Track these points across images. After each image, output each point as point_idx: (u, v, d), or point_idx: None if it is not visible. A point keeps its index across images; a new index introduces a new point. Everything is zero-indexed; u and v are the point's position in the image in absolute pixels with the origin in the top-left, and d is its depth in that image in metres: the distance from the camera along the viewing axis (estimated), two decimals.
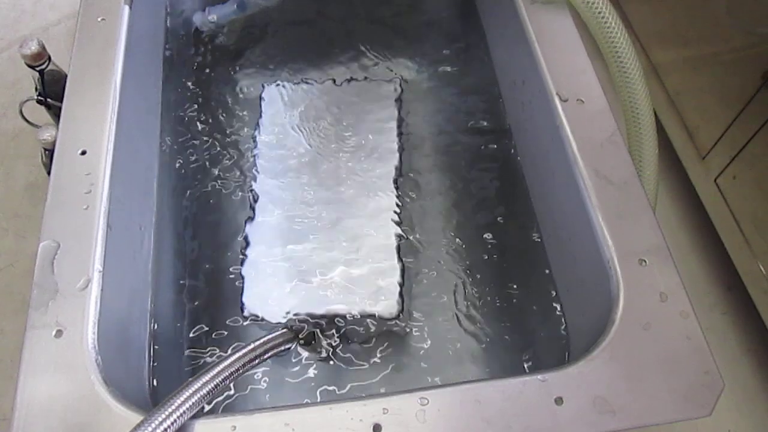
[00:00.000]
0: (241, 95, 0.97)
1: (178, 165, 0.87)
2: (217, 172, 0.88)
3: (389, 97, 0.95)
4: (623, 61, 0.70)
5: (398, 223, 0.82)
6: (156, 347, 0.69)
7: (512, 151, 0.87)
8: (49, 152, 0.68)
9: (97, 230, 0.59)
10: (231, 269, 0.79)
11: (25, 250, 1.12)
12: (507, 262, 0.80)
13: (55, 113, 0.79)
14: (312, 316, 0.74)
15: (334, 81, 0.97)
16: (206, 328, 0.75)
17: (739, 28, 0.94)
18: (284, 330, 0.64)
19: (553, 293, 0.74)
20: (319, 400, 0.70)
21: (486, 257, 0.80)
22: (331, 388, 0.71)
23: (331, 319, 0.74)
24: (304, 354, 0.72)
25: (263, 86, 0.96)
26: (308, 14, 1.06)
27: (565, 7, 0.76)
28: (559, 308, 0.72)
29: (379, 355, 0.73)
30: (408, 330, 0.75)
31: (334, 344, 0.73)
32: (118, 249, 0.62)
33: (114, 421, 0.49)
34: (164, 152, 0.85)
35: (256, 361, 0.57)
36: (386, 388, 0.71)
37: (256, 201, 0.84)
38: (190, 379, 0.51)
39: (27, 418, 0.50)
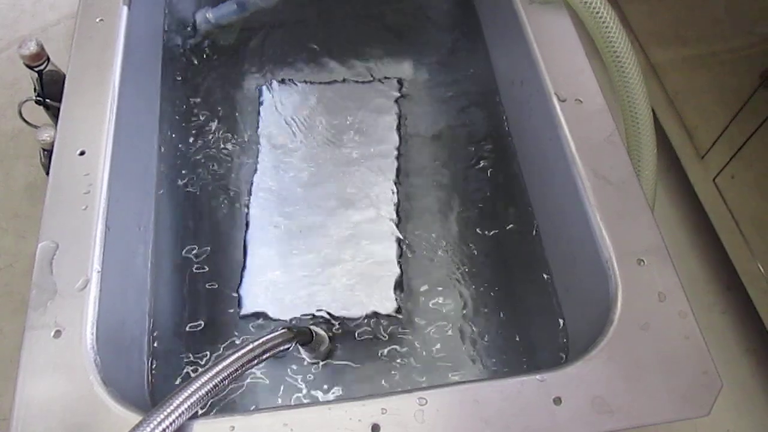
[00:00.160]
0: (240, 95, 0.97)
1: (177, 165, 0.87)
2: (216, 172, 0.88)
3: (389, 97, 0.95)
4: (621, 60, 0.70)
5: (397, 223, 0.82)
6: (155, 347, 0.69)
7: (511, 151, 0.87)
8: (48, 152, 0.68)
9: (96, 231, 0.59)
10: (230, 269, 0.79)
11: (25, 250, 1.12)
12: (505, 261, 0.80)
13: (54, 114, 0.79)
14: (310, 315, 0.75)
15: (334, 81, 0.97)
16: (205, 328, 0.75)
17: (737, 28, 0.94)
18: (283, 330, 0.64)
19: (552, 293, 0.74)
20: (317, 400, 0.70)
21: (484, 257, 0.80)
22: (329, 387, 0.71)
23: (329, 318, 0.74)
24: (303, 354, 0.72)
25: (263, 86, 0.96)
26: (308, 14, 1.06)
27: (563, 8, 0.76)
28: (557, 308, 0.72)
29: (377, 354, 0.73)
30: (406, 329, 0.75)
31: (332, 344, 0.73)
32: (116, 249, 0.62)
33: (113, 422, 0.49)
34: (163, 152, 0.85)
35: (255, 361, 0.56)
36: (385, 387, 0.71)
37: (255, 201, 0.84)
38: (189, 379, 0.51)
39: (26, 418, 0.50)
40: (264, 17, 1.04)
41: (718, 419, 0.96)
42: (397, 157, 0.88)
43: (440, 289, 0.78)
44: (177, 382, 0.69)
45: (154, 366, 0.67)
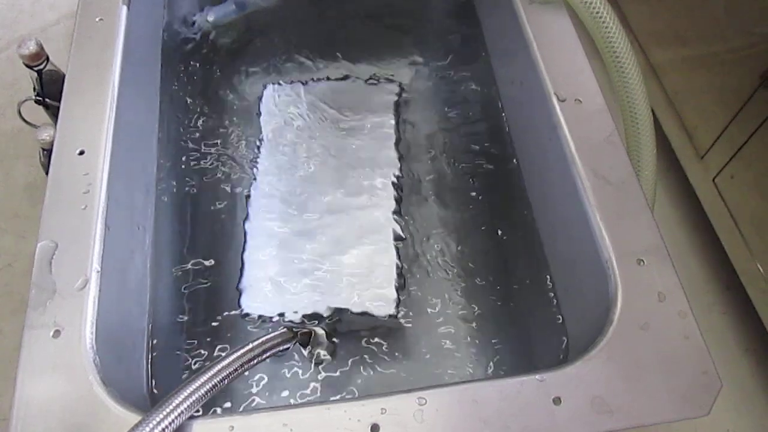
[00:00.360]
0: (240, 95, 0.97)
1: (176, 164, 0.87)
2: (216, 172, 0.88)
3: (388, 97, 0.95)
4: (621, 60, 0.70)
5: (397, 222, 0.82)
6: (154, 347, 0.69)
7: (510, 150, 0.87)
8: (48, 152, 0.68)
9: (96, 230, 0.59)
10: (230, 269, 0.79)
11: (24, 250, 1.12)
12: (505, 261, 0.80)
13: (54, 113, 0.79)
14: (310, 315, 0.75)
15: (334, 81, 0.97)
16: (205, 328, 0.75)
17: (737, 29, 0.94)
18: (283, 330, 0.64)
19: (551, 293, 0.74)
20: (317, 399, 0.70)
21: (484, 257, 0.80)
22: (329, 387, 0.71)
23: (329, 318, 0.74)
24: (303, 354, 0.72)
25: (263, 86, 0.96)
26: (307, 14, 1.06)
27: (563, 7, 0.76)
28: (557, 308, 0.72)
29: (377, 354, 0.73)
30: (405, 329, 0.75)
31: (332, 343, 0.73)
32: (116, 249, 0.62)
33: (112, 422, 0.49)
34: (162, 152, 0.85)
35: (255, 361, 0.56)
36: (384, 387, 0.71)
37: (255, 200, 0.84)
38: (189, 379, 0.51)
39: (25, 418, 0.50)
40: (264, 17, 1.04)
41: (717, 419, 0.96)
42: (397, 157, 0.88)
43: (439, 288, 0.78)
44: (176, 382, 0.69)
45: (153, 366, 0.67)
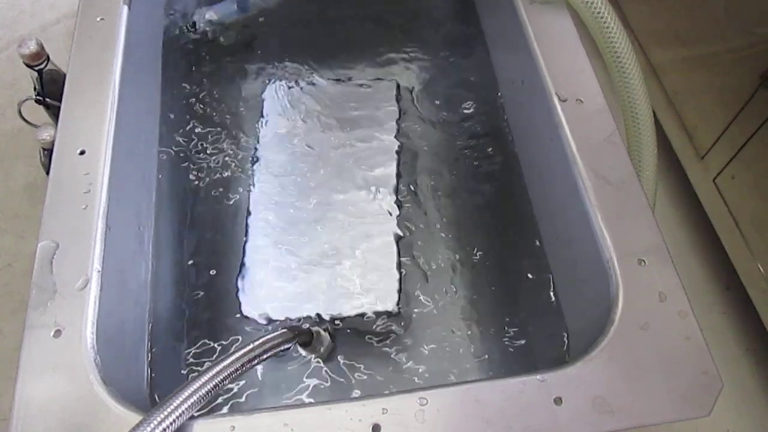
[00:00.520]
0: (241, 95, 0.97)
1: (177, 164, 0.87)
2: (217, 171, 0.88)
3: (389, 97, 0.95)
4: (622, 61, 0.70)
5: (397, 222, 0.82)
6: (155, 347, 0.69)
7: (511, 150, 0.87)
8: (48, 152, 0.68)
9: (96, 230, 0.59)
10: (230, 269, 0.79)
11: (24, 250, 1.12)
12: (506, 261, 0.80)
13: (54, 113, 0.79)
14: (311, 315, 0.74)
15: (335, 81, 0.97)
16: (205, 328, 0.75)
17: (737, 29, 0.94)
18: (283, 330, 0.64)
19: (552, 293, 0.74)
20: (318, 400, 0.70)
21: (484, 256, 0.80)
22: (330, 387, 0.71)
23: (329, 318, 0.74)
24: (303, 354, 0.72)
25: (263, 86, 0.96)
26: (308, 14, 1.06)
27: (564, 7, 0.76)
28: (558, 308, 0.72)
29: (377, 354, 0.73)
30: (406, 329, 0.75)
31: (332, 343, 0.73)
32: (117, 249, 0.62)
33: (113, 421, 0.49)
34: (163, 151, 0.85)
35: (255, 361, 0.56)
36: (385, 387, 0.71)
37: (255, 201, 0.83)
38: (189, 379, 0.51)
39: (25, 418, 0.50)
40: (265, 16, 1.04)
41: (717, 419, 0.96)
42: (398, 156, 0.88)
43: (439, 287, 0.78)
44: (177, 382, 0.69)
45: (154, 366, 0.67)
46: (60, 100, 0.68)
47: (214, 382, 0.51)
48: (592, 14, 0.70)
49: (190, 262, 0.80)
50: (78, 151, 0.64)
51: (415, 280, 0.79)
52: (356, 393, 0.71)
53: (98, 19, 0.75)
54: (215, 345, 0.74)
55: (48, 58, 0.79)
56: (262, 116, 0.92)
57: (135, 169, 0.74)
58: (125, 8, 0.76)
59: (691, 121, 1.07)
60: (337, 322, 0.74)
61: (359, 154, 0.88)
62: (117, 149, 0.65)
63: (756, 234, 0.94)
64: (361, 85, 0.97)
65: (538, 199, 0.80)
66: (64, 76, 0.71)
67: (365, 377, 0.72)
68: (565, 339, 0.70)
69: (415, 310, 0.77)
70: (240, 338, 0.74)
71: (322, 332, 0.71)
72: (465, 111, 0.94)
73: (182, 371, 0.71)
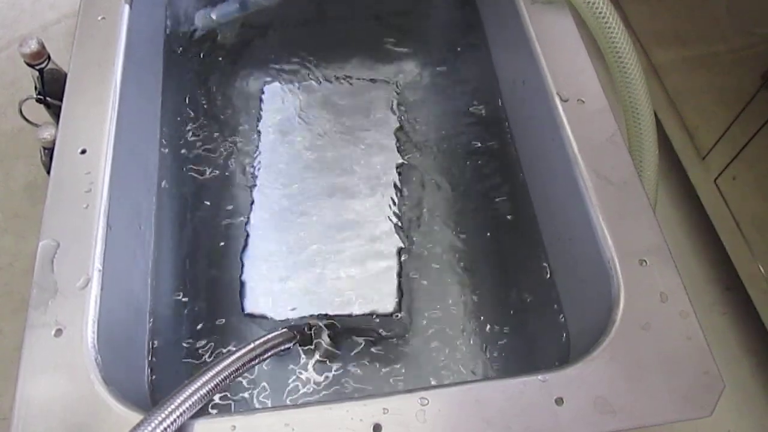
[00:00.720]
0: (241, 94, 0.97)
1: (178, 163, 0.87)
2: (217, 171, 0.88)
3: (389, 96, 0.95)
4: (624, 61, 0.70)
5: (397, 222, 0.82)
6: (156, 346, 0.69)
7: (512, 150, 0.87)
8: (49, 151, 0.68)
9: (97, 229, 0.59)
10: (231, 268, 0.79)
11: (24, 249, 1.12)
12: (506, 261, 0.80)
13: (55, 112, 0.79)
14: (311, 315, 0.74)
15: (334, 80, 0.97)
16: (206, 327, 0.75)
17: (738, 29, 0.94)
18: (284, 329, 0.64)
19: (554, 293, 0.74)
20: (319, 399, 0.70)
21: (485, 256, 0.80)
22: (330, 387, 0.71)
23: (330, 317, 0.74)
24: (303, 353, 0.72)
25: (264, 85, 0.96)
26: (308, 14, 1.06)
27: (566, 7, 0.76)
28: (559, 308, 0.72)
29: (378, 354, 0.73)
30: (406, 328, 0.75)
31: (333, 343, 0.73)
32: (118, 248, 0.62)
33: (113, 421, 0.49)
34: (164, 150, 0.85)
35: (256, 360, 0.56)
36: (386, 387, 0.71)
37: (256, 200, 0.83)
38: (190, 378, 0.51)
39: (26, 417, 0.50)
40: (265, 16, 1.04)
41: (718, 420, 0.96)
42: (397, 157, 0.88)
43: (440, 288, 0.78)
44: (178, 381, 0.69)
45: (155, 365, 0.67)
46: (61, 100, 0.68)
47: (214, 382, 0.51)
48: (593, 14, 0.70)
49: (191, 261, 0.80)
50: (79, 151, 0.64)
51: (416, 280, 0.79)
52: (357, 393, 0.71)
53: (99, 18, 0.75)
54: (216, 344, 0.74)
55: (49, 58, 0.79)
56: (262, 115, 0.92)
57: (136, 169, 0.74)
58: (126, 7, 0.76)
59: (692, 122, 1.07)
60: (337, 320, 0.74)
61: (359, 153, 0.88)
62: (118, 148, 0.65)
63: (757, 234, 0.94)
64: (361, 85, 0.97)
65: (539, 198, 0.80)
66: (65, 75, 0.70)
67: (365, 377, 0.72)
68: (566, 339, 0.70)
69: (415, 309, 0.77)
70: (241, 337, 0.74)
71: (323, 332, 0.71)
72: (465, 111, 0.94)
73: (183, 370, 0.71)
